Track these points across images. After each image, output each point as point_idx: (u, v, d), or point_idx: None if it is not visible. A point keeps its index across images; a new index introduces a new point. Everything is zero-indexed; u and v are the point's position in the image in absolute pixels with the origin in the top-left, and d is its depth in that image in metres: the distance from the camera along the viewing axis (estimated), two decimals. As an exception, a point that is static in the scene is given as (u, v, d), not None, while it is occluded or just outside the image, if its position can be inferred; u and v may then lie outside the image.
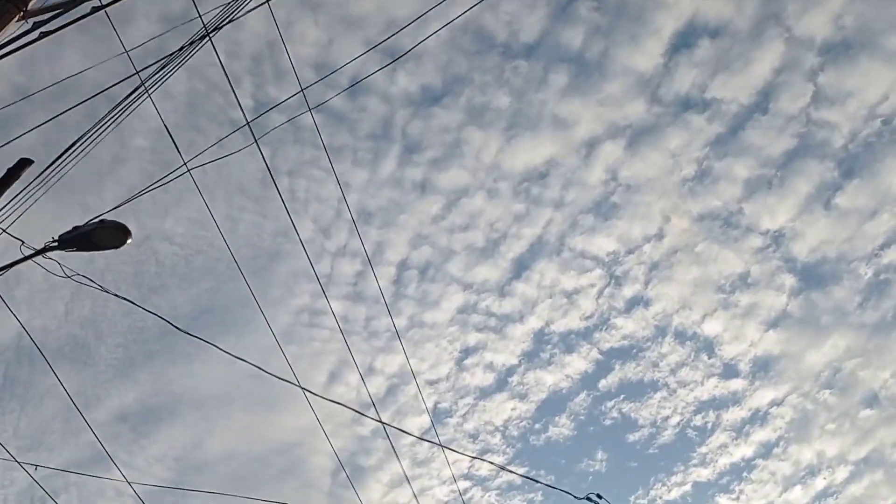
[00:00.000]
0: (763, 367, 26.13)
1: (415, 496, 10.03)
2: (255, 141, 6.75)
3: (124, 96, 6.47)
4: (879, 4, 20.32)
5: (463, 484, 25.92)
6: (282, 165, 21.58)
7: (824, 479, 23.56)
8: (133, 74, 6.54)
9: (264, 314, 7.49)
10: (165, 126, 6.45)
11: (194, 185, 6.84)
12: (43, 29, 6.16)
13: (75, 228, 6.35)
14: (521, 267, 28.19)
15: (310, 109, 7.08)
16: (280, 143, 21.33)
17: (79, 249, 6.40)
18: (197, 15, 6.37)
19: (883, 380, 24.17)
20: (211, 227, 7.00)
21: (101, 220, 6.41)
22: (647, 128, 25.90)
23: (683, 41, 22.80)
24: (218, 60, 6.45)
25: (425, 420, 25.12)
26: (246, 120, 6.85)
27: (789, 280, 25.18)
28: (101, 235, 6.37)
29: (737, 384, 25.78)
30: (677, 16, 22.42)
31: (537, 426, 27.03)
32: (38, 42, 6.11)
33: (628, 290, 25.59)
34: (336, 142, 21.87)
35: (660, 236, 24.66)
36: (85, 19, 6.16)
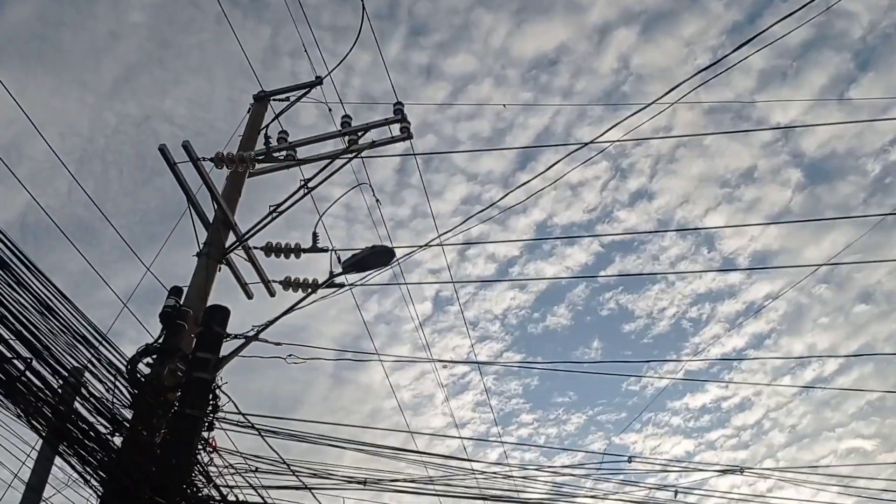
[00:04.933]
0: (761, 262, 26.30)
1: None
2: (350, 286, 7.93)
3: None
4: None
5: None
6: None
7: (813, 370, 24.18)
8: None
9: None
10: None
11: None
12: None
13: (352, 256, 7.34)
14: (526, 158, 27.71)
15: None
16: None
17: (357, 271, 7.41)
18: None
19: (879, 277, 24.39)
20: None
21: (373, 246, 7.36)
22: (663, 13, 24.87)
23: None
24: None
25: (427, 308, 25.40)
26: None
27: (795, 175, 24.95)
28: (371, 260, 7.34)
29: (734, 277, 26.02)
30: None
31: (536, 315, 27.43)
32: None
33: (633, 183, 25.36)
34: (340, 21, 20.95)
35: (668, 128, 24.29)
36: None
